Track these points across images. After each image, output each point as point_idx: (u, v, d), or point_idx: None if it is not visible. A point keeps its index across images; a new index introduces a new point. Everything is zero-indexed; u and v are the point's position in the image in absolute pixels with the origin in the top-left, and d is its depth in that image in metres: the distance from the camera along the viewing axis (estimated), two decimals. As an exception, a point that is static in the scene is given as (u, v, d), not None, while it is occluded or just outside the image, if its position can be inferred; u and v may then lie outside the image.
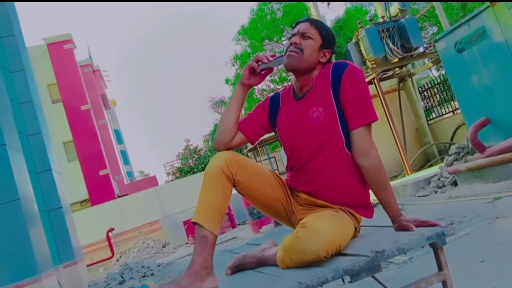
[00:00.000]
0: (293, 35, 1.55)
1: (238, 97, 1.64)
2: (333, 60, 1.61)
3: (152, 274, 7.13)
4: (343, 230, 1.33)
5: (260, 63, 1.59)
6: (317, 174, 1.48)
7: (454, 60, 4.99)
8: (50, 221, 7.09)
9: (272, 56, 1.61)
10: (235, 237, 8.88)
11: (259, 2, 20.84)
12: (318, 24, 1.55)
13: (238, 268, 1.53)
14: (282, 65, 1.56)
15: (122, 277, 7.50)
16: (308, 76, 1.53)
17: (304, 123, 1.50)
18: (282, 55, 1.58)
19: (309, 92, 1.54)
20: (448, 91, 9.43)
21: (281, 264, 1.32)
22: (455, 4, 16.55)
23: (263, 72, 1.62)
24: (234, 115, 1.61)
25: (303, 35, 1.51)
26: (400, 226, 1.41)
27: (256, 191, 1.51)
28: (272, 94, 1.71)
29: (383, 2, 9.83)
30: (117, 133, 29.94)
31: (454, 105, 9.28)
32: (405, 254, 2.78)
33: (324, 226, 1.26)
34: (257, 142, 1.75)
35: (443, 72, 16.23)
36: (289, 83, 2.05)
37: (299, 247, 1.23)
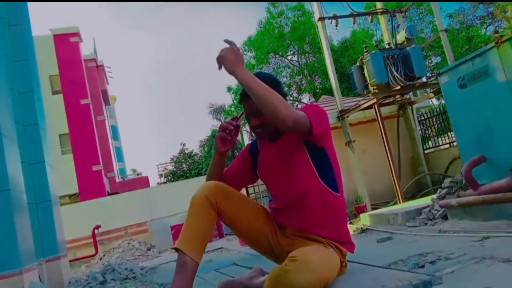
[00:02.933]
0: (247, 115, 1.60)
1: (218, 164, 1.74)
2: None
3: (134, 278, 7.05)
4: (331, 266, 1.34)
5: (227, 131, 1.65)
6: (301, 210, 1.52)
7: (455, 95, 5.04)
8: (38, 213, 7.03)
9: (233, 119, 1.70)
10: (221, 248, 8.83)
11: (268, 16, 21.00)
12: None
13: (223, 294, 1.52)
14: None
15: (103, 277, 7.41)
16: (277, 129, 1.58)
17: (281, 167, 1.56)
18: (241, 113, 1.67)
19: (283, 135, 1.59)
20: (446, 122, 9.50)
21: None
22: (461, 36, 16.76)
23: (232, 135, 1.69)
24: (219, 175, 1.70)
25: (255, 114, 1.55)
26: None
27: (240, 222, 1.53)
28: (250, 142, 1.77)
29: (390, 29, 9.95)
30: (114, 129, 29.89)
31: (452, 137, 9.35)
32: None
33: (313, 261, 1.26)
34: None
35: (443, 101, 16.40)
36: None
37: (288, 281, 1.23)
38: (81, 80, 18.43)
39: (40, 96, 7.44)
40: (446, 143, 9.71)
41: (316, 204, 1.47)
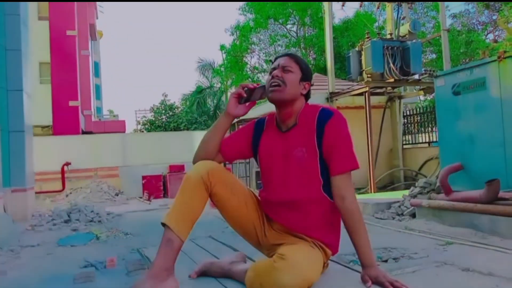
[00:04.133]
0: (274, 69, 1.56)
1: (222, 127, 1.66)
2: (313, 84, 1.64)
3: (99, 221, 7.06)
4: (317, 268, 1.35)
5: (246, 89, 1.60)
6: (294, 212, 1.52)
7: (447, 100, 5.09)
8: (9, 142, 6.87)
9: (256, 85, 1.63)
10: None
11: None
12: (297, 58, 1.62)
13: (203, 274, 1.53)
14: (265, 96, 1.59)
15: (68, 216, 7.38)
16: (290, 108, 1.55)
17: (287, 159, 1.53)
18: (264, 85, 1.62)
19: (293, 128, 1.56)
20: (430, 122, 9.65)
21: (249, 286, 1.33)
22: (460, 38, 16.81)
23: (247, 104, 1.62)
24: (217, 141, 1.63)
25: (284, 69, 1.53)
26: (371, 279, 1.42)
27: (230, 207, 1.53)
28: (257, 119, 1.72)
29: (395, 19, 9.84)
30: (96, 65, 29.00)
31: (431, 137, 9.53)
32: None
33: (302, 262, 1.27)
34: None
35: (429, 99, 16.57)
36: None
37: (275, 279, 1.24)
38: (70, 10, 17.58)
39: (26, 21, 7.07)
40: (425, 142, 9.90)
41: (312, 211, 1.47)
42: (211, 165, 1.51)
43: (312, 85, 1.57)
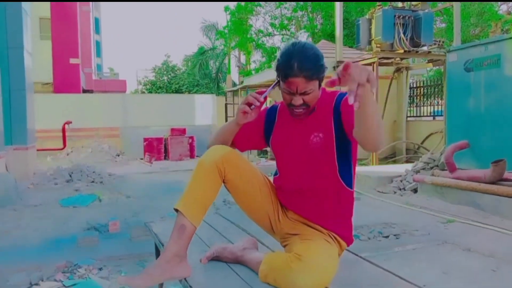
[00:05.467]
0: (290, 93, 1.40)
1: (233, 132, 1.59)
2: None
3: (101, 183, 7.10)
4: (334, 266, 1.32)
5: (252, 106, 1.49)
6: (309, 200, 1.47)
7: (459, 76, 4.97)
8: (10, 100, 6.79)
9: (259, 93, 1.51)
10: (191, 169, 8.90)
11: None
12: (313, 73, 1.37)
13: (214, 259, 1.51)
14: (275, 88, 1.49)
15: (70, 176, 7.42)
16: None
17: (303, 146, 1.46)
18: (271, 88, 1.50)
19: (311, 114, 1.47)
20: (436, 96, 9.52)
21: (262, 278, 1.31)
22: (473, 9, 16.33)
23: (256, 108, 1.54)
24: (229, 141, 1.57)
25: (304, 94, 1.39)
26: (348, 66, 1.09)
27: (244, 194, 1.49)
28: (269, 106, 1.62)
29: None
30: (96, 21, 28.34)
31: (437, 111, 9.44)
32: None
33: (319, 263, 1.24)
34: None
35: (436, 69, 16.30)
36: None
37: (290, 278, 1.22)
38: (71, -38, 16.93)
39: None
40: (430, 115, 9.82)
41: (328, 199, 1.42)
42: (226, 151, 1.45)
43: (326, 69, 1.43)
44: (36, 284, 2.51)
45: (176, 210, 1.38)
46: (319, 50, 1.44)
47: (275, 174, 1.59)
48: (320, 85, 1.42)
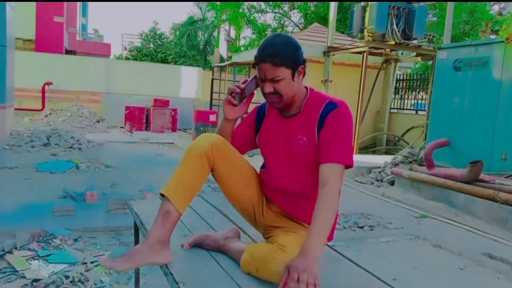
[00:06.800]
0: (261, 80, 1.42)
1: (225, 130, 1.58)
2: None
3: (79, 149, 6.97)
4: None
5: (234, 94, 1.49)
6: (291, 198, 1.48)
7: (447, 74, 5.02)
8: (-11, 56, 6.52)
9: (243, 83, 1.52)
10: (172, 143, 8.85)
11: None
12: (280, 59, 1.38)
13: (196, 245, 1.51)
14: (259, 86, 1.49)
15: (48, 139, 7.25)
16: (292, 100, 1.46)
17: (288, 147, 1.46)
18: (253, 78, 1.50)
19: (297, 115, 1.47)
20: (420, 90, 9.62)
21: (244, 267, 1.32)
22: (465, 6, 16.39)
23: (244, 101, 1.54)
24: (227, 138, 1.58)
25: (272, 81, 1.39)
26: (291, 269, 1.09)
27: (231, 184, 1.48)
28: (259, 104, 1.62)
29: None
30: (84, -20, 27.22)
31: (421, 106, 9.56)
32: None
33: None
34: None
35: (422, 62, 16.43)
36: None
37: (273, 268, 1.23)
38: None
39: None
40: (413, 109, 9.94)
41: (310, 198, 1.43)
42: (216, 139, 1.43)
43: (305, 61, 1.44)
44: (9, 252, 2.48)
45: (162, 196, 1.36)
46: (298, 42, 1.44)
47: (262, 167, 1.59)
48: (293, 75, 1.41)
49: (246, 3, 20.00)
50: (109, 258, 1.36)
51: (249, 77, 11.68)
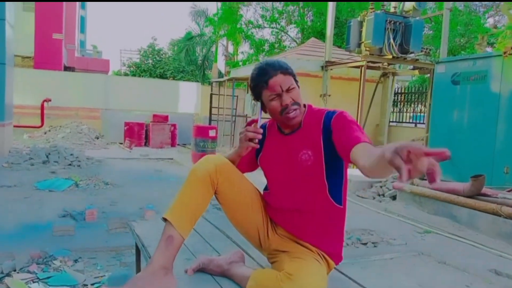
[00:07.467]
0: (278, 95, 1.43)
1: (236, 160, 1.57)
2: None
3: (79, 166, 6.93)
4: (323, 287, 1.31)
5: (255, 141, 1.48)
6: (298, 218, 1.46)
7: (445, 88, 5.04)
8: (-12, 74, 6.54)
9: (250, 123, 1.52)
10: (172, 158, 8.83)
11: None
12: (286, 67, 1.44)
13: (200, 270, 1.48)
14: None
15: (47, 157, 7.22)
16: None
17: (292, 164, 1.45)
18: (260, 112, 1.52)
19: (298, 130, 1.46)
20: (419, 103, 9.66)
21: None
22: (461, 18, 16.57)
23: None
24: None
25: (288, 90, 1.41)
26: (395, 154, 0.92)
27: (235, 207, 1.46)
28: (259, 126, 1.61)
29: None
30: (82, -3, 27.53)
31: (419, 119, 9.59)
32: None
33: (310, 285, 1.22)
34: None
35: (418, 76, 16.54)
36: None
37: None
38: None
39: None
40: (412, 122, 9.96)
41: (317, 217, 1.41)
42: (219, 162, 1.41)
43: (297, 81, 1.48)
44: (8, 275, 2.43)
45: (164, 220, 1.34)
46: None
47: (265, 189, 1.56)
48: (297, 83, 1.44)
49: (243, 19, 20.21)
50: (111, 287, 1.33)
51: (247, 92, 11.71)
